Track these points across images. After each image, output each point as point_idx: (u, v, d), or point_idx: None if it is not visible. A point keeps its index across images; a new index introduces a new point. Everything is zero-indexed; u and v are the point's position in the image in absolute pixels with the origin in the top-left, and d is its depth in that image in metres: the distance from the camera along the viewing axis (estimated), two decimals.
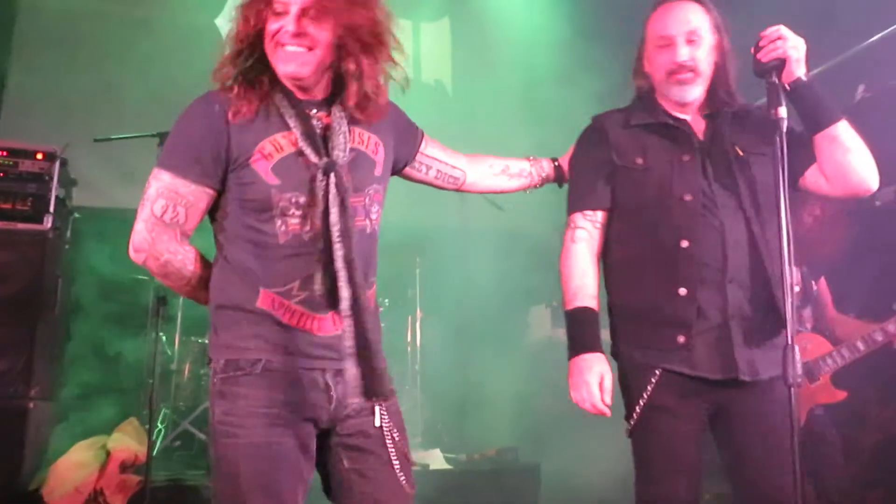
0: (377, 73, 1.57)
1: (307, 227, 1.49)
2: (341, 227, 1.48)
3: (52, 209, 3.19)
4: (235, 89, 1.52)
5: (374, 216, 1.63)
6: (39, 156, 3.21)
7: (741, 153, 1.79)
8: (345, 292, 1.48)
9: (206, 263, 1.60)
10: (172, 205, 1.52)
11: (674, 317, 1.75)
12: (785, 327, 1.52)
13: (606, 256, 1.92)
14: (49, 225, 3.18)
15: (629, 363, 1.83)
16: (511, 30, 5.98)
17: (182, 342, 4.32)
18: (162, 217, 1.52)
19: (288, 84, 1.56)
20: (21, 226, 3.12)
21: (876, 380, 3.08)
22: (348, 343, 1.47)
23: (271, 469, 1.45)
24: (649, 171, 1.84)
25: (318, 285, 1.49)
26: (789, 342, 1.50)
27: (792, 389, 1.48)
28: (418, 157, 1.82)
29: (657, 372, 1.76)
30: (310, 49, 1.51)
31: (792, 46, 1.67)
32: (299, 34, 1.50)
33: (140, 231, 1.53)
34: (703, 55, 1.82)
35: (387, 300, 4.47)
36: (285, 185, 1.49)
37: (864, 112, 3.40)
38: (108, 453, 3.13)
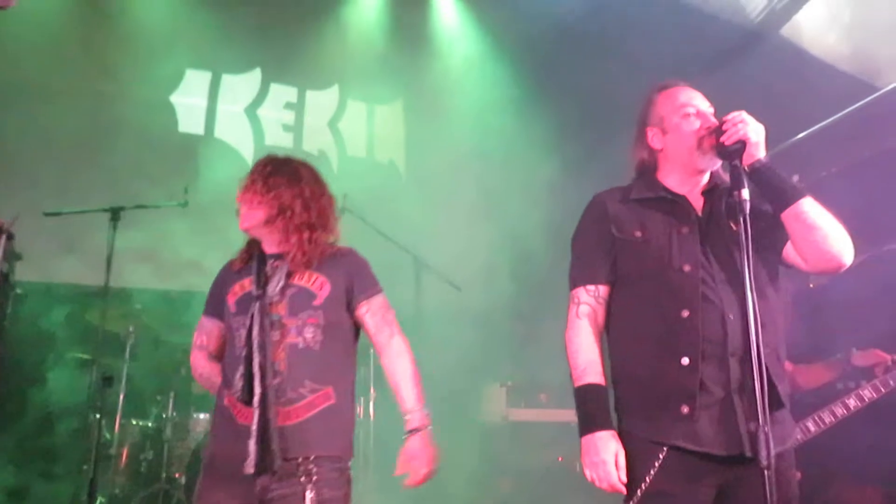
0: (311, 239, 2.10)
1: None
2: (259, 341, 1.98)
3: None
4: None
5: (308, 335, 2.03)
6: None
7: (735, 228, 1.77)
8: (257, 390, 1.92)
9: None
10: (200, 334, 2.21)
11: (677, 387, 1.74)
12: (783, 404, 1.58)
13: (610, 329, 1.93)
14: None
15: (634, 440, 1.79)
16: (462, 110, 6.20)
17: (122, 425, 4.12)
18: (197, 344, 2.20)
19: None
20: None
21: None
22: (253, 427, 1.90)
23: None
24: (648, 244, 1.87)
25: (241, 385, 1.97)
26: (761, 421, 1.52)
27: (766, 472, 1.51)
28: (355, 313, 2.17)
29: (662, 452, 1.73)
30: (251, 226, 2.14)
31: (753, 130, 1.76)
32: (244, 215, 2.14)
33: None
34: None
35: None
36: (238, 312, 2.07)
37: None
38: None
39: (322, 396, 2.00)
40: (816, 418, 2.78)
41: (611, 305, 1.93)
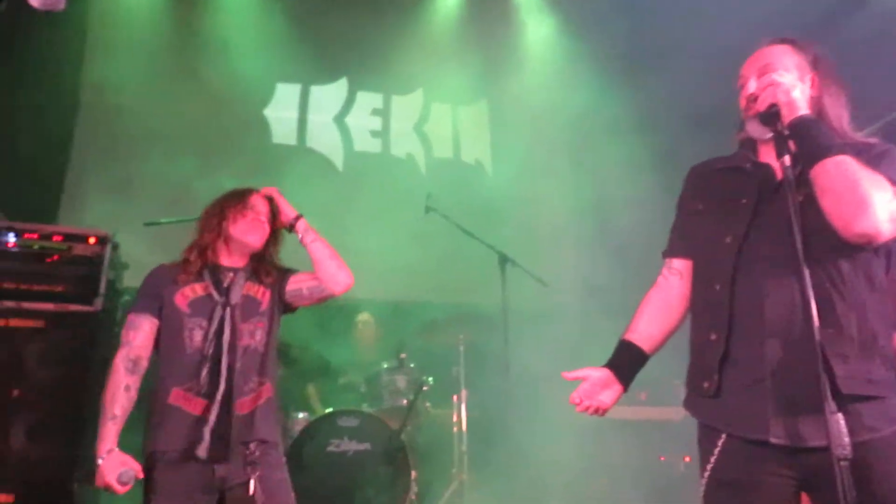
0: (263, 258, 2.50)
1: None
2: (230, 343, 2.26)
3: (102, 291, 3.26)
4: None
5: (257, 337, 2.34)
6: (92, 240, 3.31)
7: (804, 199, 1.60)
8: (222, 386, 2.20)
9: None
10: (128, 331, 2.35)
11: (704, 362, 1.71)
12: (840, 392, 1.42)
13: None
14: (99, 306, 3.24)
15: (698, 426, 1.75)
16: (546, 106, 6.12)
17: None
18: (123, 341, 2.33)
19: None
20: (73, 307, 3.19)
21: None
22: (211, 417, 2.15)
23: None
24: (703, 216, 1.83)
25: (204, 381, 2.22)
26: (829, 407, 1.39)
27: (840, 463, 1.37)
28: (287, 295, 2.48)
29: (721, 438, 1.65)
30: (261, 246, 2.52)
31: (781, 91, 1.65)
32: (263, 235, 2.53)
33: None
34: None
35: (431, 379, 4.40)
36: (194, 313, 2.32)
37: None
38: None
39: (266, 389, 2.32)
40: None
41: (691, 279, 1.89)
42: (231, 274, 2.41)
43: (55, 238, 3.28)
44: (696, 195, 1.88)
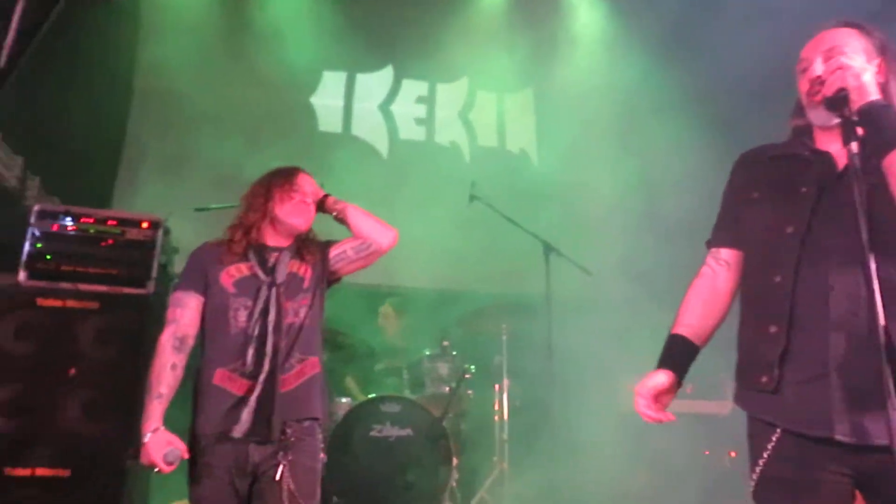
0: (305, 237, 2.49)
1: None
2: (275, 324, 2.23)
3: (153, 274, 3.34)
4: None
5: (301, 314, 2.31)
6: (145, 224, 3.39)
7: (870, 188, 1.54)
8: (266, 366, 2.17)
9: None
10: (174, 308, 2.37)
11: (761, 356, 1.64)
12: None
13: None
14: (151, 289, 3.32)
15: (749, 419, 1.71)
16: (592, 93, 6.04)
17: None
18: (169, 318, 2.34)
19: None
20: (126, 289, 3.27)
21: None
22: (253, 398, 2.13)
23: None
24: (761, 204, 1.76)
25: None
26: (892, 404, 1.33)
27: None
28: (332, 262, 2.48)
29: (775, 434, 1.60)
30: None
31: (851, 75, 1.58)
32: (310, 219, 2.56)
33: None
34: None
35: (473, 367, 4.40)
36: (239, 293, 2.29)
37: None
38: None
39: (310, 364, 2.29)
40: None
41: (741, 270, 1.84)
42: (276, 253, 2.39)
43: (110, 223, 3.36)
44: (749, 183, 1.81)
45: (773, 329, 1.62)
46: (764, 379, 1.62)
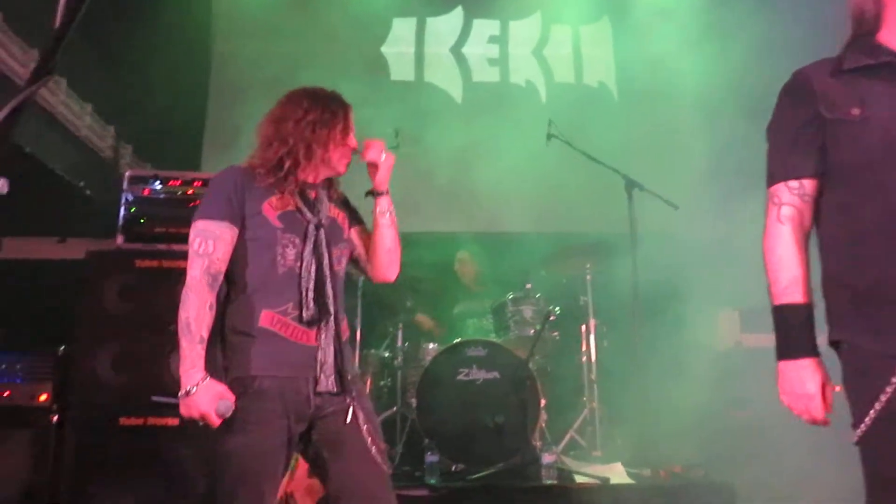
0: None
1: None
2: (331, 268, 2.04)
3: None
4: None
5: (343, 264, 2.14)
6: None
7: None
8: (331, 308, 2.00)
9: None
10: (205, 240, 2.06)
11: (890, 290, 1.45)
12: None
13: (821, 230, 1.63)
14: None
15: (860, 356, 1.51)
16: (673, 20, 5.70)
17: (363, 356, 4.53)
18: (200, 252, 2.05)
19: None
20: None
21: None
22: (330, 349, 1.98)
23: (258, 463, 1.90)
24: (869, 123, 1.52)
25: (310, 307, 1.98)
26: None
27: None
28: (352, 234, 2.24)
29: None
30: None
31: None
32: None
33: None
34: None
35: (558, 308, 4.37)
36: (287, 229, 2.02)
37: None
38: (296, 458, 3.29)
39: (346, 322, 2.12)
40: None
41: (822, 203, 1.61)
42: (313, 191, 2.11)
43: (196, 184, 3.50)
44: (845, 99, 1.56)
45: None
46: None
